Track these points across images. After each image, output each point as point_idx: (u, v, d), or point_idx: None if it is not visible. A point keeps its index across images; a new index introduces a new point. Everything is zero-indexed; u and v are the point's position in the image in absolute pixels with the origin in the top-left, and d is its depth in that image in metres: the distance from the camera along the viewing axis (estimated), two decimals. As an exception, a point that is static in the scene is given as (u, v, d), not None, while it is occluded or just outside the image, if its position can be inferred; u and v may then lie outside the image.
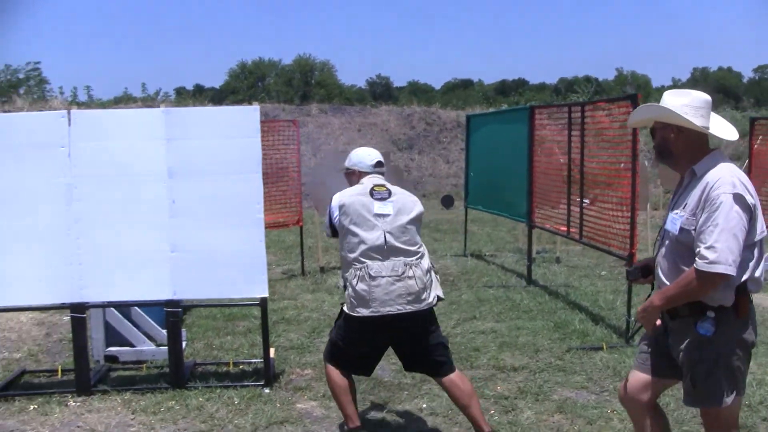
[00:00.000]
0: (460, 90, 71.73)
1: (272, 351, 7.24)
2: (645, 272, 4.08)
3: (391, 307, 4.85)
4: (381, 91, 66.99)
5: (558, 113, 10.49)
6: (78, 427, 5.73)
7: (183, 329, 7.65)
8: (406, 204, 5.10)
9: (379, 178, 5.24)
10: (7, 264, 6.20)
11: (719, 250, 3.45)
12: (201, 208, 6.32)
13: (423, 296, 4.95)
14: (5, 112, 20.74)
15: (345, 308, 5.01)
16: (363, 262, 4.89)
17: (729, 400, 3.69)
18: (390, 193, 5.09)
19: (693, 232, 3.59)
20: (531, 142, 10.53)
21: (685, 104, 3.74)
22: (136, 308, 7.40)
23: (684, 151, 3.79)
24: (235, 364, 7.10)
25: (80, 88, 52.90)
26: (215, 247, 6.31)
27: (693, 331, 3.66)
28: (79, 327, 6.38)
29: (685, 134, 3.76)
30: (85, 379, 6.40)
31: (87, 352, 6.51)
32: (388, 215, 4.98)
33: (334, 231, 5.13)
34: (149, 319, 7.49)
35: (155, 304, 6.68)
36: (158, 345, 7.28)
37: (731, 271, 3.46)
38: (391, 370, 6.79)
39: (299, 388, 6.47)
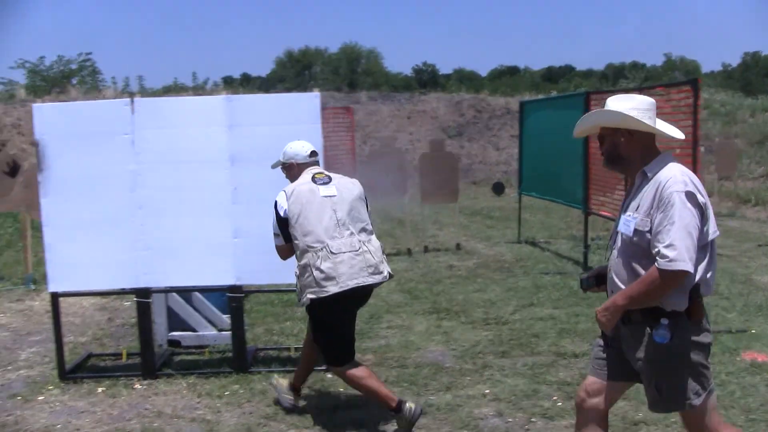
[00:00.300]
0: (506, 77, 71.23)
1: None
2: (599, 280, 4.06)
3: (357, 280, 5.10)
4: (427, 79, 66.68)
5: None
6: (146, 409, 5.83)
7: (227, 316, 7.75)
8: (346, 185, 5.43)
9: (316, 168, 5.52)
10: (75, 250, 6.32)
11: (678, 247, 3.45)
12: (262, 194, 6.32)
13: (380, 269, 5.27)
14: (61, 101, 21.03)
15: (310, 296, 5.12)
16: (322, 242, 5.12)
17: (697, 401, 3.67)
18: (330, 178, 5.41)
19: (648, 233, 3.59)
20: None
21: (633, 107, 3.75)
22: (197, 294, 7.49)
23: (635, 154, 3.78)
24: (296, 349, 7.16)
25: (132, 78, 53.62)
26: (278, 233, 6.35)
27: (649, 338, 3.64)
28: (143, 312, 6.48)
29: (636, 137, 3.76)
30: (151, 363, 6.51)
31: (152, 336, 6.61)
32: (333, 196, 5.28)
33: (284, 232, 5.32)
34: (210, 305, 7.59)
35: (218, 289, 6.78)
36: (219, 330, 7.37)
37: (690, 267, 3.46)
38: (452, 355, 6.81)
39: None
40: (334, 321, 5.29)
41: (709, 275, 3.66)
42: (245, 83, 49.49)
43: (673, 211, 3.48)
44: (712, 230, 3.63)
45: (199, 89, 29.25)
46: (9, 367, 7.01)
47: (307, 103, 6.43)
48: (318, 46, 57.41)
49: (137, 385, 6.35)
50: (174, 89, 27.15)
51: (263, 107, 6.49)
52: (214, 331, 7.28)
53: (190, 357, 7.06)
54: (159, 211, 6.31)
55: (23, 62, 28.91)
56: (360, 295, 5.26)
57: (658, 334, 3.58)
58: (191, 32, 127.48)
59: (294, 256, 5.34)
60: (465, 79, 67.46)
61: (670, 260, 3.44)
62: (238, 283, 6.43)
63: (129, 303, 9.26)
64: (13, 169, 10.36)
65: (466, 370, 6.48)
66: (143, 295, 6.41)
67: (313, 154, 5.57)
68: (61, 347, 6.56)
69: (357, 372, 5.28)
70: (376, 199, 12.46)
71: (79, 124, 6.32)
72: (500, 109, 25.14)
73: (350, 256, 5.12)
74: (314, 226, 5.15)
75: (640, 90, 9.33)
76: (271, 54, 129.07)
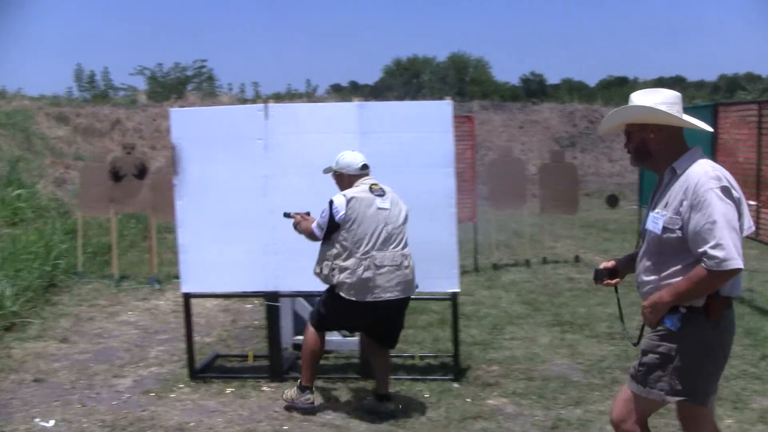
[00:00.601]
0: (616, 87, 69.80)
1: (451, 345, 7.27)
2: (612, 273, 4.02)
3: (390, 294, 5.51)
4: (535, 89, 65.94)
5: (745, 111, 10.06)
6: (275, 411, 5.92)
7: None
8: (397, 200, 5.73)
9: (371, 179, 5.73)
10: (207, 252, 6.47)
11: (726, 246, 3.35)
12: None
13: (413, 285, 5.70)
14: (180, 107, 21.62)
15: (342, 293, 5.51)
16: (369, 253, 5.46)
17: (670, 399, 3.63)
18: (384, 191, 5.65)
19: (678, 231, 3.50)
20: (714, 141, 10.14)
21: (660, 102, 3.65)
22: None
23: (664, 150, 3.69)
24: (421, 358, 7.15)
25: (247, 84, 54.67)
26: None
27: (662, 322, 3.61)
28: (272, 315, 6.58)
29: (665, 132, 3.68)
30: (279, 365, 6.60)
31: (280, 339, 6.69)
32: (387, 209, 5.58)
33: (328, 231, 5.57)
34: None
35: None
36: (343, 336, 7.40)
37: (741, 264, 3.37)
38: (579, 369, 6.69)
39: (488, 384, 6.45)
40: (351, 318, 5.74)
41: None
42: (354, 91, 49.87)
43: (712, 210, 3.39)
44: (747, 226, 3.53)
45: (311, 96, 29.64)
46: (141, 364, 7.22)
47: (439, 111, 6.43)
48: (426, 55, 57.43)
49: (265, 388, 6.45)
50: (288, 96, 27.58)
51: (395, 115, 6.50)
52: (339, 337, 7.31)
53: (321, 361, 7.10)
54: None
55: (142, 69, 29.82)
56: (388, 306, 5.61)
57: (670, 319, 3.58)
58: (301, 40, 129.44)
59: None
60: (574, 89, 66.41)
61: (721, 260, 3.35)
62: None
63: (251, 306, 9.44)
64: (141, 172, 10.67)
65: (595, 384, 6.35)
66: (273, 298, 6.50)
67: (364, 167, 5.76)
68: (192, 347, 6.72)
69: (314, 340, 5.77)
70: (495, 209, 12.41)
71: (214, 129, 6.47)
72: (614, 120, 24.65)
73: (390, 270, 5.51)
74: (365, 235, 5.48)
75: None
76: (378, 62, 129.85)
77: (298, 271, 6.40)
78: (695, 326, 3.55)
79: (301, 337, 7.16)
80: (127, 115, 20.37)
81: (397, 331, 5.93)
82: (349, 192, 5.58)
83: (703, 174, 3.49)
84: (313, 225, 5.65)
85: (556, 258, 12.56)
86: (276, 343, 6.62)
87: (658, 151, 3.71)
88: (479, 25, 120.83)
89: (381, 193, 5.61)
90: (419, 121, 6.41)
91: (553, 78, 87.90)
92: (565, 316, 8.71)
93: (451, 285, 6.45)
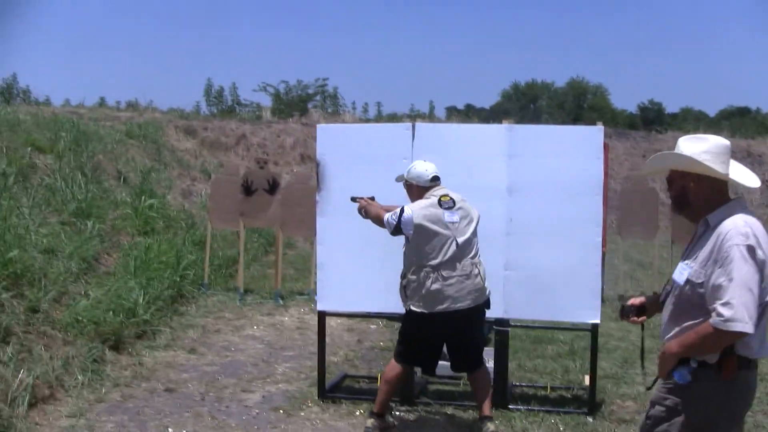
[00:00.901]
0: (736, 117, 67.61)
1: (587, 378, 7.01)
2: (639, 311, 3.89)
3: (462, 303, 5.48)
4: (653, 117, 64.42)
5: None
6: (407, 436, 5.78)
7: (491, 348, 7.58)
8: (468, 211, 5.66)
9: (441, 189, 5.67)
10: (345, 270, 6.40)
11: (735, 306, 3.19)
12: (538, 227, 6.18)
13: (485, 290, 5.64)
14: (303, 125, 21.88)
15: (413, 307, 5.55)
16: (437, 267, 5.45)
17: None
18: (454, 202, 5.59)
19: (700, 286, 3.35)
20: None
21: (704, 151, 3.45)
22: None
23: (702, 200, 3.52)
24: (553, 389, 6.91)
25: (370, 104, 55.19)
26: (549, 267, 6.15)
27: (671, 375, 3.47)
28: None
29: (705, 183, 3.49)
30: (410, 390, 6.45)
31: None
32: (456, 222, 5.54)
33: (396, 233, 5.57)
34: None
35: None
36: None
37: (749, 328, 3.19)
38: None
39: (623, 420, 6.22)
40: (426, 336, 5.65)
41: (754, 336, 3.29)
42: (470, 114, 49.70)
43: (732, 266, 3.23)
44: None
45: (432, 117, 29.67)
46: (268, 380, 7.19)
47: (590, 136, 6.22)
48: (545, 80, 56.78)
49: (395, 412, 6.31)
50: (410, 116, 27.60)
51: (545, 139, 6.33)
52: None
53: (446, 387, 6.94)
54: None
55: (265, 86, 30.37)
56: (461, 318, 5.55)
57: (678, 372, 3.43)
58: (420, 61, 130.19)
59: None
60: (692, 119, 64.64)
61: (726, 320, 3.19)
62: (504, 316, 6.26)
63: (375, 326, 9.35)
64: (272, 187, 10.74)
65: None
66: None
67: (435, 179, 5.71)
68: (323, 366, 6.65)
69: (394, 371, 5.75)
70: (624, 238, 12.02)
71: (360, 146, 6.41)
72: (741, 152, 23.75)
73: (460, 280, 5.48)
74: (433, 249, 5.47)
75: None
76: (495, 86, 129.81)
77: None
78: (706, 382, 3.39)
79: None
80: (252, 131, 20.69)
81: (476, 348, 5.84)
82: (416, 206, 5.58)
83: (733, 228, 3.33)
84: (387, 215, 5.60)
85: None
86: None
87: (696, 200, 3.54)
88: (598, 51, 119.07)
89: (450, 206, 5.56)
90: (569, 146, 6.21)
91: (671, 107, 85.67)
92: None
93: (592, 316, 6.20)
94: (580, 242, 6.12)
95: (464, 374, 6.92)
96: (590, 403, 6.30)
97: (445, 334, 5.70)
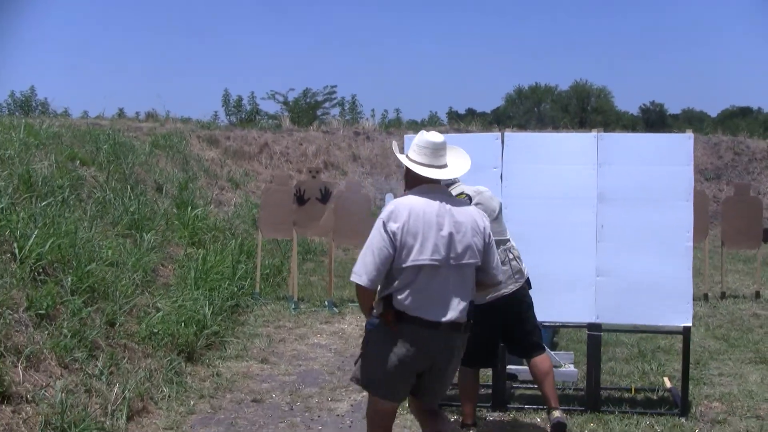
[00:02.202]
0: (738, 118, 67.82)
1: (667, 380, 7.09)
2: None
3: (506, 289, 5.57)
4: (654, 119, 64.67)
5: None
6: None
7: (570, 352, 7.63)
8: (487, 201, 5.63)
9: (458, 187, 5.64)
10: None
11: (357, 263, 4.29)
12: (629, 233, 6.26)
13: (523, 270, 5.75)
14: (323, 132, 21.95)
15: None
16: None
17: (363, 385, 4.58)
18: (470, 198, 5.56)
19: None
20: None
21: (415, 143, 4.53)
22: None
23: (407, 184, 4.57)
24: (637, 391, 6.98)
25: (390, 110, 55.17)
26: (640, 273, 6.23)
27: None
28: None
29: (407, 170, 4.55)
30: (502, 395, 6.50)
31: (501, 370, 6.59)
32: None
33: None
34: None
35: (576, 326, 6.72)
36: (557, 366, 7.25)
37: (362, 281, 4.23)
38: None
39: (717, 421, 6.28)
40: (483, 330, 5.51)
41: (404, 294, 4.24)
42: (472, 118, 49.77)
43: (370, 234, 4.30)
44: (411, 258, 4.20)
45: (433, 124, 29.73)
46: (350, 388, 7.21)
47: (680, 143, 6.29)
48: (548, 83, 56.98)
49: (489, 417, 6.36)
50: (431, 122, 27.69)
51: (634, 147, 6.42)
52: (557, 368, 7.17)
53: (529, 392, 6.99)
54: (522, 245, 6.29)
55: (273, 93, 30.47)
56: (508, 303, 5.65)
57: (369, 322, 4.45)
58: (423, 66, 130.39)
59: None
60: (694, 119, 64.85)
61: (352, 273, 4.30)
62: (597, 321, 6.32)
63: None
64: (325, 196, 10.78)
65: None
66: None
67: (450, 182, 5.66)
68: (414, 373, 6.67)
69: (464, 378, 5.80)
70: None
71: (449, 156, 6.44)
72: (761, 152, 23.89)
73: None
74: None
75: None
76: (496, 90, 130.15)
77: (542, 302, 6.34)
78: (379, 328, 4.36)
79: (513, 367, 7.10)
80: (274, 139, 20.76)
81: (532, 329, 5.81)
82: None
83: (388, 205, 4.42)
84: None
85: (733, 293, 12.15)
86: (499, 374, 6.52)
87: (406, 183, 4.63)
88: (601, 54, 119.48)
89: (466, 203, 5.31)
90: (659, 154, 6.30)
91: (673, 108, 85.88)
92: (767, 353, 8.42)
93: (684, 319, 6.26)
94: (671, 247, 6.20)
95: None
96: (683, 404, 6.35)
97: (498, 323, 5.73)
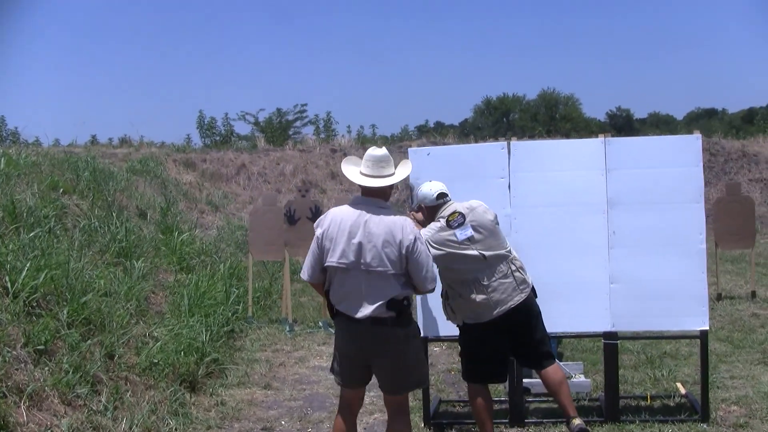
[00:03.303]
0: (704, 119, 68.53)
1: (680, 386, 6.99)
2: None
3: (513, 301, 5.45)
4: (621, 124, 65.14)
5: None
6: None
7: (579, 362, 7.52)
8: (480, 217, 5.55)
9: (450, 206, 5.60)
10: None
11: (304, 263, 5.03)
12: (641, 238, 6.17)
13: (528, 280, 5.60)
14: (300, 151, 21.78)
15: (467, 321, 5.60)
16: (474, 280, 5.43)
17: (331, 370, 5.20)
18: (463, 216, 5.51)
19: None
20: None
21: (364, 157, 5.00)
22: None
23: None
24: (652, 398, 6.87)
25: (366, 126, 54.96)
26: (654, 278, 6.15)
27: None
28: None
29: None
30: (520, 410, 6.37)
31: (517, 384, 6.45)
32: (471, 236, 5.46)
33: None
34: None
35: (592, 336, 6.60)
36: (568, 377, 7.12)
37: (304, 276, 5.02)
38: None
39: (739, 425, 6.19)
40: (480, 342, 5.60)
41: (332, 290, 4.87)
42: (441, 131, 49.80)
43: None
44: (328, 259, 4.76)
45: (408, 138, 29.68)
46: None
47: (689, 144, 6.21)
48: (516, 93, 57.11)
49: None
50: (403, 138, 27.62)
51: (642, 150, 6.33)
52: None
53: (544, 405, 6.86)
54: (533, 255, 6.19)
55: (244, 114, 30.28)
56: (515, 313, 5.49)
57: None
58: (386, 80, 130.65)
59: None
60: (661, 123, 65.40)
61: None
62: (613, 329, 6.21)
63: (438, 348, 9.24)
64: (315, 215, 10.59)
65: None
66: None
67: (441, 196, 5.66)
68: (428, 394, 6.54)
69: (474, 396, 5.65)
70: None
71: (454, 167, 6.34)
72: (736, 152, 24.07)
73: (500, 282, 5.45)
74: (462, 268, 5.47)
75: None
76: (464, 102, 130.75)
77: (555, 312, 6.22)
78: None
79: (527, 380, 6.96)
80: (251, 160, 20.56)
81: (542, 339, 5.69)
82: (427, 232, 5.51)
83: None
84: None
85: (728, 294, 12.11)
86: (517, 389, 6.39)
87: None
88: (567, 62, 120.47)
89: (461, 222, 5.49)
90: (668, 156, 6.22)
91: (640, 112, 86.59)
92: (774, 354, 8.37)
93: (700, 323, 6.18)
94: (685, 250, 6.13)
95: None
96: (704, 410, 6.25)
97: (506, 337, 5.60)
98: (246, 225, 16.81)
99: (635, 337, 7.66)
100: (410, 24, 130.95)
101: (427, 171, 6.22)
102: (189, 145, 22.96)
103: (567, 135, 38.80)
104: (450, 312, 5.68)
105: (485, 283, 5.42)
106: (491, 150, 6.40)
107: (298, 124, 32.95)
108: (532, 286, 5.66)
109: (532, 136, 32.72)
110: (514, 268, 5.54)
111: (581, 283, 6.19)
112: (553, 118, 52.57)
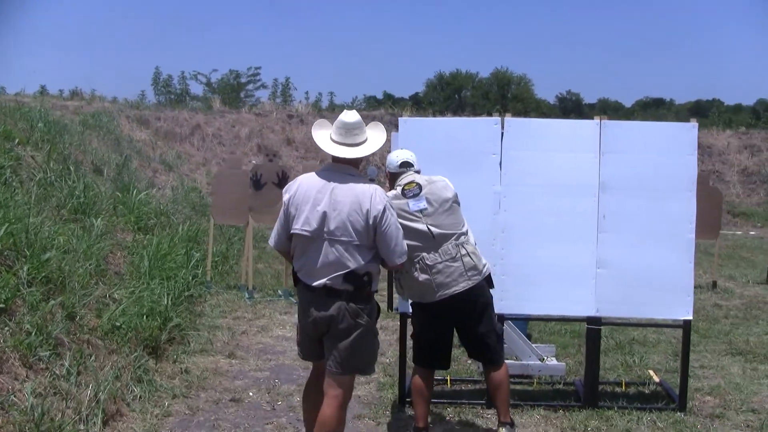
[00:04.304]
0: (652, 108, 69.36)
1: (653, 373, 6.97)
2: None
3: (457, 287, 5.16)
4: (571, 107, 65.62)
5: None
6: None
7: (552, 345, 7.46)
8: (437, 192, 5.30)
9: (408, 176, 5.38)
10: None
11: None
12: (631, 224, 6.07)
13: (479, 267, 5.26)
14: (256, 114, 21.37)
15: (411, 299, 5.43)
16: (418, 255, 5.15)
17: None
18: (420, 187, 5.27)
19: None
20: None
21: (335, 122, 4.80)
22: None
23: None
24: (626, 385, 6.83)
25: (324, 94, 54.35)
26: (641, 264, 6.05)
27: None
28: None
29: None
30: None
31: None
32: (425, 209, 5.21)
33: None
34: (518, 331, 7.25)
35: (575, 319, 6.52)
36: (540, 359, 7.03)
37: (271, 243, 4.94)
38: None
39: (715, 416, 6.18)
40: (425, 325, 5.43)
41: (296, 258, 4.74)
42: (391, 104, 49.58)
43: None
44: (293, 226, 4.63)
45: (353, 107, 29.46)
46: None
47: (685, 133, 6.12)
48: (469, 70, 56.89)
49: (485, 414, 6.12)
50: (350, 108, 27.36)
51: (638, 135, 6.19)
52: (538, 361, 6.95)
53: (519, 386, 6.75)
54: (520, 235, 6.07)
55: (196, 74, 29.72)
56: (460, 301, 5.23)
57: None
58: (340, 51, 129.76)
59: None
60: (609, 110, 65.97)
61: None
62: (597, 314, 6.11)
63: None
64: (282, 180, 10.34)
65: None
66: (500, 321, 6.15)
67: (404, 164, 5.45)
68: (404, 372, 6.41)
69: (417, 378, 5.46)
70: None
71: (445, 141, 6.17)
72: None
73: (446, 265, 5.16)
74: (410, 241, 5.06)
75: None
76: (416, 76, 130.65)
77: (525, 294, 6.14)
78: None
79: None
80: (206, 121, 20.12)
81: (488, 336, 5.37)
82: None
83: None
84: None
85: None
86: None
87: None
88: (521, 42, 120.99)
89: (416, 192, 5.25)
90: (663, 143, 6.11)
91: (590, 98, 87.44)
92: (740, 345, 8.50)
93: (685, 312, 6.12)
94: (674, 239, 6.05)
95: (532, 375, 6.88)
96: (681, 399, 6.21)
97: (452, 322, 5.38)
98: (199, 187, 16.52)
99: (618, 323, 7.58)
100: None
101: (420, 143, 6.00)
102: (143, 102, 22.35)
103: (518, 115, 38.82)
104: (398, 286, 5.45)
105: (429, 263, 5.15)
106: (484, 125, 6.21)
107: (250, 87, 32.51)
108: (488, 275, 5.38)
109: (479, 114, 32.67)
110: (464, 252, 5.23)
111: (567, 266, 6.06)
112: (504, 97, 52.65)
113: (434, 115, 26.30)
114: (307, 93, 43.56)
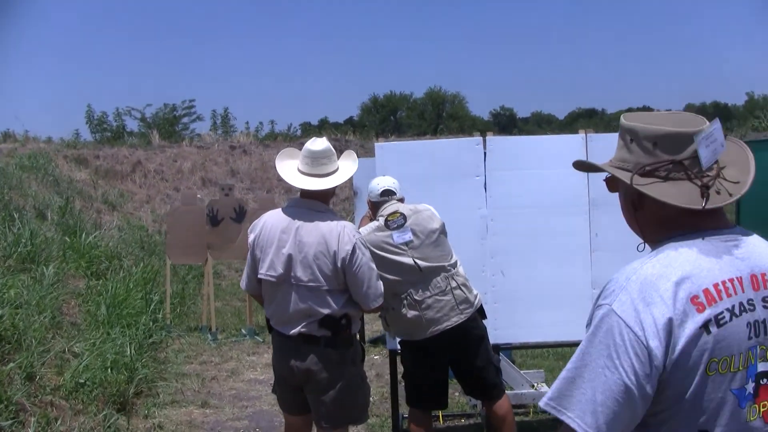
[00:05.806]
0: (584, 119, 70.42)
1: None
2: None
3: (448, 322, 4.81)
4: (506, 122, 66.25)
5: None
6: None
7: (541, 370, 7.20)
8: (423, 222, 4.93)
9: (391, 206, 5.01)
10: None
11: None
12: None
13: (471, 299, 4.94)
14: (198, 147, 20.87)
15: (399, 338, 5.11)
16: (405, 291, 4.81)
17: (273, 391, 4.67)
18: (405, 218, 4.91)
19: None
20: None
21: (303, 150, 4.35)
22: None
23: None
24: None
25: (265, 122, 53.54)
26: (638, 283, 5.78)
27: None
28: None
29: None
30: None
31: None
32: (411, 241, 4.85)
33: None
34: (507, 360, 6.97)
35: (574, 344, 6.20)
36: (532, 387, 6.75)
37: (241, 284, 4.59)
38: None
39: None
40: (417, 364, 5.07)
41: (266, 304, 4.37)
42: (327, 129, 49.34)
43: None
44: (260, 271, 4.24)
45: (292, 137, 29.10)
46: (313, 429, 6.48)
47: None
48: (403, 91, 57.02)
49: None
50: (271, 137, 26.80)
51: (625, 146, 5.93)
52: (532, 390, 6.66)
53: (517, 417, 6.43)
54: (511, 260, 5.78)
55: (129, 110, 29.12)
56: (453, 336, 4.86)
57: None
58: (277, 79, 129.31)
59: None
60: (543, 122, 66.84)
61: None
62: (595, 338, 5.83)
63: (378, 357, 8.75)
64: (240, 215, 9.92)
65: None
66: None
67: (386, 192, 5.09)
68: (397, 411, 6.07)
69: (414, 426, 5.11)
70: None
71: (425, 165, 5.85)
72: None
73: (436, 299, 4.81)
74: (395, 276, 4.79)
75: None
76: (351, 100, 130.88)
77: (520, 320, 5.82)
78: None
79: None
80: (147, 157, 19.54)
81: (485, 370, 5.04)
82: (364, 231, 4.86)
83: None
84: None
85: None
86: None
87: None
88: (454, 61, 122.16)
89: (400, 223, 4.86)
90: (652, 153, 5.86)
91: (523, 112, 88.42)
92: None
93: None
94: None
95: (526, 404, 6.58)
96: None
97: (445, 359, 5.03)
98: (146, 225, 15.97)
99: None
100: (301, 21, 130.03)
101: (399, 167, 5.68)
102: (79, 141, 21.68)
103: (454, 133, 38.99)
104: (384, 324, 5.11)
105: (418, 298, 4.78)
106: (465, 146, 5.92)
107: (186, 119, 32.00)
108: (480, 306, 5.07)
109: (419, 135, 32.58)
110: (454, 284, 4.89)
111: (562, 289, 5.78)
112: (440, 116, 52.81)
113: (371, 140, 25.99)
114: (247, 123, 42.97)
